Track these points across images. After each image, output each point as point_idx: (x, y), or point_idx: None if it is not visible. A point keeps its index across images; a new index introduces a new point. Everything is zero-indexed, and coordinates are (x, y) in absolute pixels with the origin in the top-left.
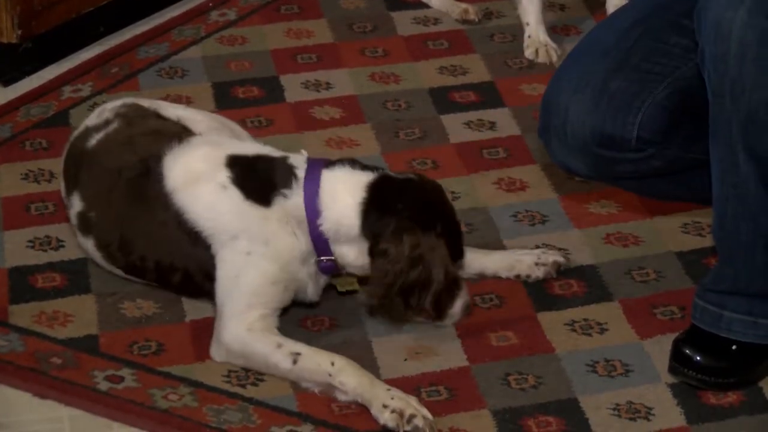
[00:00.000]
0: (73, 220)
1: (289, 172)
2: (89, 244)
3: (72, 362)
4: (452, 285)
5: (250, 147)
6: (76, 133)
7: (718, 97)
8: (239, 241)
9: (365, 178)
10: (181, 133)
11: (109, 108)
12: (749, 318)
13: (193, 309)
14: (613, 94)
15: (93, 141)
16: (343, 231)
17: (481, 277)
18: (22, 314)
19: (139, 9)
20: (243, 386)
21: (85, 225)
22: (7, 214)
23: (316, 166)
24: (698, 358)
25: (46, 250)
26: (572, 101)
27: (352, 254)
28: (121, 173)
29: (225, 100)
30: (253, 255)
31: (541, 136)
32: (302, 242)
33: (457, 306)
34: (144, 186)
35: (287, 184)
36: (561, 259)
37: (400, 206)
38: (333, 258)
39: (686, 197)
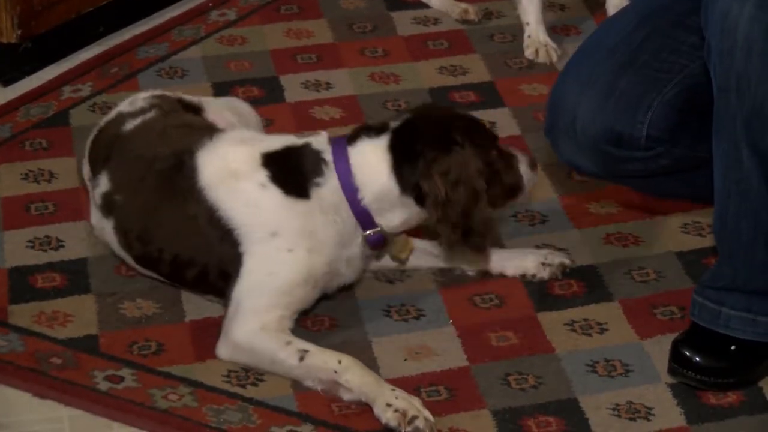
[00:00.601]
0: (97, 199)
1: (318, 158)
2: (108, 226)
3: (72, 362)
4: (504, 163)
5: (275, 140)
6: (108, 117)
7: (723, 92)
8: (279, 238)
9: (383, 142)
10: (209, 128)
11: (141, 97)
12: (748, 315)
13: (192, 309)
14: (622, 93)
15: (128, 126)
16: (385, 199)
17: (486, 275)
18: (22, 314)
19: (138, 9)
20: (243, 386)
21: (108, 206)
22: (7, 214)
23: (341, 146)
24: (697, 358)
25: (45, 250)
26: (581, 100)
27: (398, 217)
28: (153, 163)
29: None
30: (297, 250)
31: (548, 135)
32: (344, 225)
33: (523, 171)
34: (175, 179)
35: (319, 172)
36: (567, 261)
37: (419, 147)
38: (379, 229)
39: (691, 196)
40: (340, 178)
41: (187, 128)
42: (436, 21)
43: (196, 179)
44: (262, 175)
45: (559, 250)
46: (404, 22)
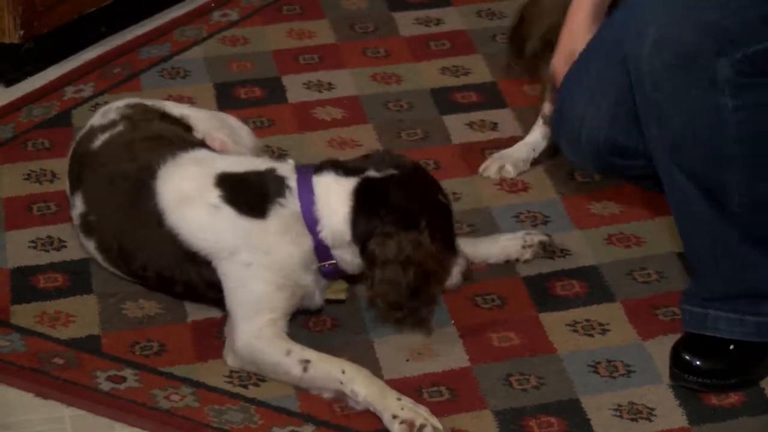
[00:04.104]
0: (76, 219)
1: (281, 183)
2: (91, 246)
3: (74, 362)
4: (447, 263)
5: (238, 162)
6: (82, 132)
7: (645, 123)
8: (239, 254)
9: (350, 184)
10: (178, 142)
11: (114, 108)
12: (734, 315)
13: (194, 309)
14: (630, 108)
15: (98, 142)
16: (338, 237)
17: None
18: (24, 314)
19: (140, 9)
20: (245, 386)
21: (87, 227)
22: (10, 215)
23: (307, 175)
24: (697, 362)
25: (48, 251)
26: (587, 112)
27: (349, 257)
28: (119, 181)
29: (227, 100)
30: (254, 266)
31: (555, 137)
32: (303, 249)
33: (455, 275)
34: (139, 199)
35: (281, 194)
36: (545, 238)
37: (383, 211)
38: (334, 262)
39: None
40: (302, 205)
41: (155, 141)
42: (438, 21)
43: (155, 201)
44: (214, 195)
45: (551, 245)
46: (406, 23)
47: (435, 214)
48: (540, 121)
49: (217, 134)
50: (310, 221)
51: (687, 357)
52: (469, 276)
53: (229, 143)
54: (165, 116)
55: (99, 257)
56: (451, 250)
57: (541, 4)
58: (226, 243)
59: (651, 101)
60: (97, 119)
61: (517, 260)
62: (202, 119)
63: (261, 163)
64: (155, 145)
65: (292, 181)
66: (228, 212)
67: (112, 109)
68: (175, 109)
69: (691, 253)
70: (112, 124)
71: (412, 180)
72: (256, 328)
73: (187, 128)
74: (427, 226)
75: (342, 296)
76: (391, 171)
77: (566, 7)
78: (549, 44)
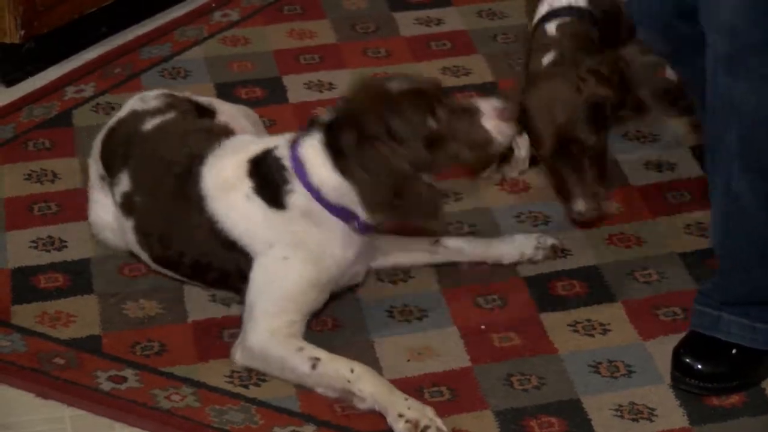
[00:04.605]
0: (117, 198)
1: (280, 166)
2: (128, 226)
3: (74, 363)
4: (457, 122)
5: (259, 145)
6: (119, 115)
7: (711, 113)
8: (275, 248)
9: (319, 136)
10: (225, 133)
11: (152, 95)
12: (746, 321)
13: (195, 309)
14: None
15: (147, 125)
16: (338, 189)
17: (482, 264)
18: (25, 314)
19: (141, 9)
20: (246, 387)
21: (129, 207)
22: (10, 215)
23: (295, 150)
24: (699, 366)
25: (49, 251)
26: None
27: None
28: (172, 167)
29: (227, 100)
30: (291, 260)
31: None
32: (329, 226)
33: (489, 123)
34: (186, 186)
35: (285, 180)
36: (557, 242)
37: (343, 143)
38: (361, 219)
39: None
40: (302, 183)
41: (205, 133)
42: (439, 21)
43: (199, 188)
44: (247, 186)
45: (561, 249)
46: (407, 23)
47: (393, 110)
48: None
49: (240, 118)
50: (315, 193)
51: (688, 360)
52: (508, 115)
53: (249, 126)
54: (196, 105)
55: (133, 238)
56: (457, 108)
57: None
58: (262, 235)
59: (721, 90)
60: (137, 104)
61: (530, 259)
62: (224, 105)
63: (269, 141)
64: (206, 137)
65: (287, 160)
66: (259, 204)
67: (149, 96)
68: (200, 98)
69: (725, 252)
70: (159, 110)
71: (363, 98)
72: (275, 327)
73: (210, 113)
74: (386, 131)
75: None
76: (340, 105)
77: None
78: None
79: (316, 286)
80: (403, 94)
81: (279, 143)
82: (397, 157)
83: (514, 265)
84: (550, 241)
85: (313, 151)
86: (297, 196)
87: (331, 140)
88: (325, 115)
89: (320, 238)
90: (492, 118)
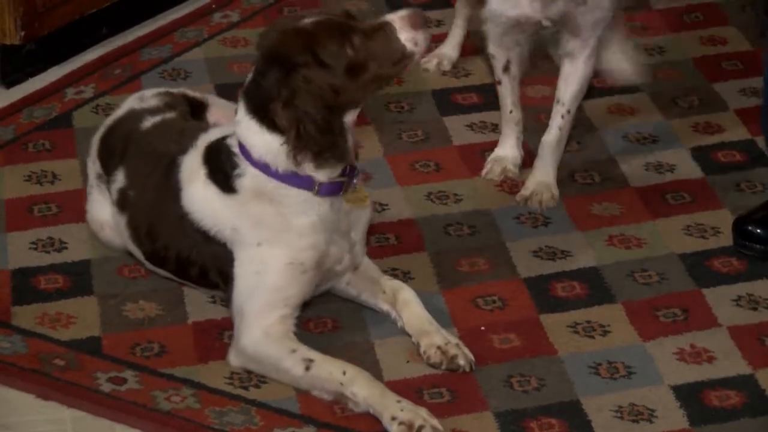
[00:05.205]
0: (114, 194)
1: (230, 152)
2: (122, 221)
3: (75, 364)
4: (371, 39)
5: (216, 132)
6: (118, 113)
7: None
8: (246, 232)
9: (242, 104)
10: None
11: (149, 95)
12: None
13: (195, 311)
14: None
15: (147, 123)
16: (281, 154)
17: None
18: (25, 316)
19: (141, 11)
20: (245, 388)
21: (123, 202)
22: (11, 216)
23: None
24: (759, 230)
25: (49, 252)
26: None
27: (310, 162)
28: (160, 159)
29: (228, 101)
30: (263, 245)
31: None
32: (284, 199)
33: (403, 36)
34: (169, 177)
35: (235, 164)
36: (462, 362)
37: (260, 101)
38: (317, 180)
39: None
40: (250, 164)
41: (198, 129)
42: (439, 23)
43: (176, 179)
44: (203, 173)
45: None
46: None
47: (315, 42)
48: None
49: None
50: (262, 167)
51: (750, 228)
52: (418, 24)
53: None
54: (189, 100)
55: (127, 233)
56: (368, 28)
57: None
58: (225, 220)
59: None
60: (134, 103)
61: (424, 353)
62: (219, 100)
63: (222, 130)
64: (198, 133)
65: (235, 147)
66: (214, 190)
67: (146, 95)
68: (195, 93)
69: None
70: (158, 109)
71: (278, 38)
72: (267, 325)
73: (201, 106)
74: (300, 63)
75: (365, 203)
76: (261, 49)
77: None
78: None
79: (296, 267)
80: (316, 26)
81: (229, 133)
82: (324, 83)
83: (513, 267)
84: (454, 351)
85: (246, 124)
86: (246, 178)
87: (254, 103)
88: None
89: (278, 213)
90: (405, 30)
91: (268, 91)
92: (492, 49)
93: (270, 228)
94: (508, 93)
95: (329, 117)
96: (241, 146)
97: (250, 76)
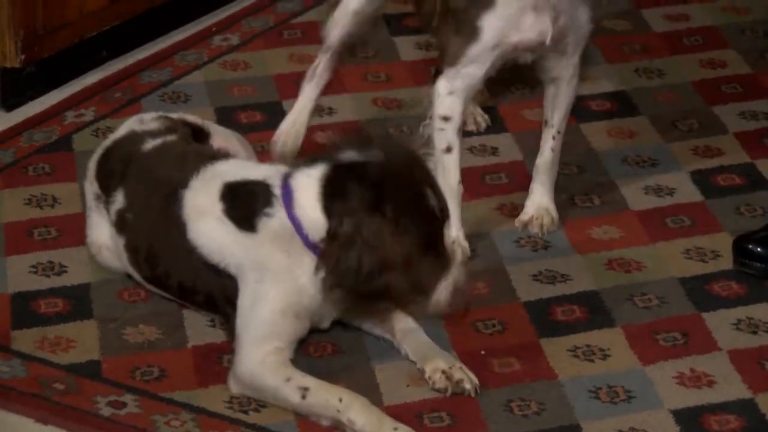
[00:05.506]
0: (112, 216)
1: (268, 191)
2: (120, 243)
3: (74, 388)
4: (425, 266)
5: (241, 170)
6: (116, 135)
7: None
8: (248, 270)
9: (317, 172)
10: (221, 157)
11: (149, 118)
12: None
13: (195, 335)
14: None
15: (148, 145)
16: (319, 229)
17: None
18: (25, 339)
19: (141, 34)
20: (245, 412)
21: (121, 223)
22: (10, 240)
23: (288, 179)
24: (759, 249)
25: (48, 276)
26: None
27: None
28: (161, 187)
29: (227, 125)
30: (261, 283)
31: None
32: (298, 257)
33: (441, 290)
34: (171, 208)
35: (268, 204)
36: (468, 386)
37: (351, 194)
38: None
39: None
40: (286, 210)
41: (202, 156)
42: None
43: (180, 212)
44: (218, 209)
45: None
46: (407, 47)
47: (410, 206)
48: None
49: (232, 141)
50: (298, 226)
51: (750, 246)
52: (462, 298)
53: (241, 150)
54: (190, 126)
55: (125, 256)
56: (436, 256)
57: None
58: (235, 257)
59: None
60: (135, 125)
61: (429, 378)
62: (217, 127)
63: (265, 171)
64: (202, 159)
65: (278, 188)
66: (229, 226)
67: (146, 118)
68: (194, 119)
69: None
70: (160, 132)
71: (391, 165)
72: (262, 354)
73: (203, 134)
74: (397, 215)
75: None
76: (372, 154)
77: None
78: None
79: (287, 311)
80: (425, 201)
81: (270, 173)
82: (395, 246)
83: (513, 291)
84: (459, 375)
85: (307, 182)
86: (274, 221)
87: (329, 189)
88: (341, 152)
89: (286, 263)
90: (450, 282)
91: (348, 196)
92: (448, 109)
93: (274, 273)
94: (457, 161)
95: (374, 275)
96: (286, 191)
97: (347, 152)
